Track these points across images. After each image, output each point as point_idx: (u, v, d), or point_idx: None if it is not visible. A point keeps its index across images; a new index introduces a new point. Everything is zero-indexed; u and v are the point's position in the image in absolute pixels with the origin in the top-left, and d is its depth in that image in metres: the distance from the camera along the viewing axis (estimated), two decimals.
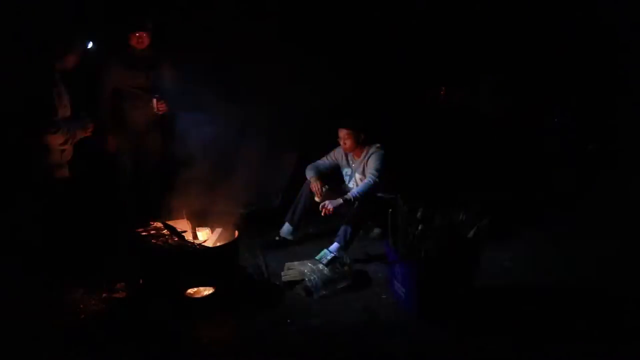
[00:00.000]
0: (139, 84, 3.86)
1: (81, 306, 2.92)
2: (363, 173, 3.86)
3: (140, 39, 3.77)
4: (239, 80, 4.42)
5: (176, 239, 3.61)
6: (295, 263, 3.39)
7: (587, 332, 2.73)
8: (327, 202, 3.64)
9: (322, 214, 3.62)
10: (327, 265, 3.38)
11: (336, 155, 4.03)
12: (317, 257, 3.52)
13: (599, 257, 3.62)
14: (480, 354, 2.56)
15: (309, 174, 3.91)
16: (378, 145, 3.83)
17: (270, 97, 4.51)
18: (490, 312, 2.94)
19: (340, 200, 3.64)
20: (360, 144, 3.85)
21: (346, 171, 4.01)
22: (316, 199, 3.82)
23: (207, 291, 3.00)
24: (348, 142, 3.83)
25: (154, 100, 3.83)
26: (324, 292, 3.16)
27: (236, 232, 3.84)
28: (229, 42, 4.37)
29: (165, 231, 3.64)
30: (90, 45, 3.31)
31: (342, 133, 3.83)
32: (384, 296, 3.14)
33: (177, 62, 4.00)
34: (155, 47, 3.88)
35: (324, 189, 3.82)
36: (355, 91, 4.70)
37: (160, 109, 3.86)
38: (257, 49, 4.41)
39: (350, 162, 3.97)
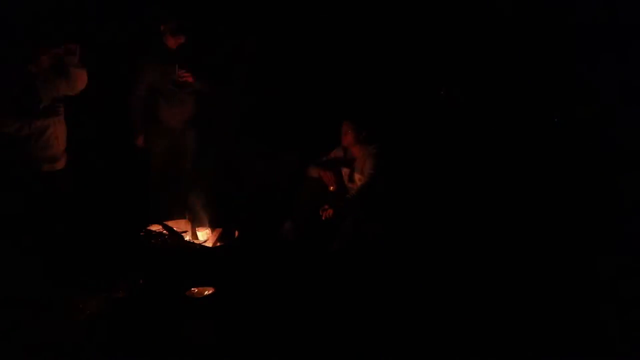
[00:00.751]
0: (170, 81, 3.81)
1: (81, 306, 2.92)
2: (362, 173, 3.86)
3: (178, 41, 3.77)
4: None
5: (176, 239, 3.62)
6: None
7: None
8: (327, 205, 3.65)
9: (323, 218, 3.63)
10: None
11: (336, 155, 4.03)
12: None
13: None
14: None
15: (315, 169, 3.92)
16: (377, 145, 3.84)
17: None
18: None
19: (341, 203, 3.66)
20: (361, 142, 3.86)
21: (345, 171, 4.02)
22: (331, 188, 3.85)
23: (207, 291, 3.00)
24: (349, 137, 3.86)
25: (176, 67, 3.75)
26: None
27: (236, 232, 3.85)
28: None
29: (165, 232, 3.64)
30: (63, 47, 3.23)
31: (345, 126, 3.85)
32: None
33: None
34: (190, 44, 3.86)
35: (334, 177, 3.85)
36: (362, 89, 4.70)
37: (183, 76, 3.77)
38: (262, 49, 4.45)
39: (350, 161, 3.97)
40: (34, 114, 3.13)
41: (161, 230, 3.64)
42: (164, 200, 3.96)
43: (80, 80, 3.30)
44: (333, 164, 4.02)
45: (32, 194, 3.20)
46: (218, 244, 3.82)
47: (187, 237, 3.74)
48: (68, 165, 3.41)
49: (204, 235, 3.85)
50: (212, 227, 3.94)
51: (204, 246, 3.70)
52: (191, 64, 3.81)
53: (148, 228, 3.67)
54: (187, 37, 3.82)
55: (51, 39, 3.14)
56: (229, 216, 4.00)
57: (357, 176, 3.92)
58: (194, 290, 3.01)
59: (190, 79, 3.81)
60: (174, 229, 3.70)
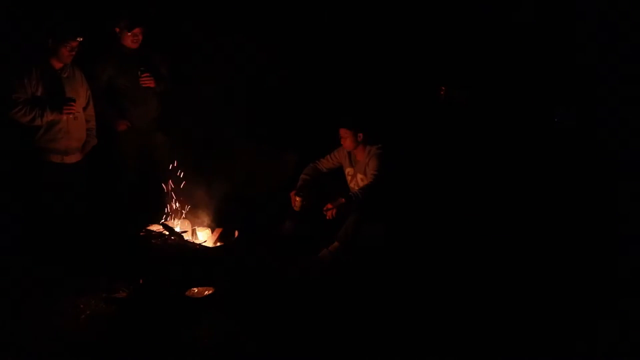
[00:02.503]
0: (132, 81, 3.78)
1: (81, 306, 2.91)
2: (364, 173, 3.87)
3: (136, 38, 3.73)
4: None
5: (175, 239, 3.62)
6: None
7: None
8: (330, 205, 3.65)
9: (327, 217, 3.64)
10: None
11: (339, 155, 4.04)
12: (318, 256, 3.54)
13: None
14: None
15: (299, 182, 3.96)
16: (380, 145, 3.84)
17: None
18: None
19: (343, 200, 3.66)
20: (361, 143, 3.86)
21: (348, 171, 4.02)
22: (295, 209, 3.87)
23: (207, 291, 3.01)
24: (347, 141, 3.86)
25: (139, 73, 3.74)
26: None
27: (236, 232, 3.85)
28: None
29: (164, 232, 3.65)
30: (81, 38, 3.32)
31: (342, 132, 3.86)
32: None
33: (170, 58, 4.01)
34: (146, 44, 3.84)
35: (302, 203, 3.86)
36: (357, 90, 4.70)
37: (145, 81, 3.76)
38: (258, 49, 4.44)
39: (353, 162, 3.97)
40: (49, 107, 3.24)
41: (161, 230, 3.64)
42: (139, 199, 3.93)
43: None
44: (333, 167, 4.04)
45: (38, 182, 3.30)
46: (218, 244, 3.83)
47: (187, 237, 3.75)
48: (83, 161, 3.51)
49: (204, 236, 3.85)
50: (212, 227, 3.95)
51: (204, 246, 3.71)
52: (151, 67, 3.79)
53: (148, 228, 3.67)
54: (144, 33, 3.76)
55: (69, 33, 3.25)
56: (229, 216, 4.01)
57: (359, 176, 3.92)
58: (194, 290, 3.01)
59: (152, 84, 3.79)
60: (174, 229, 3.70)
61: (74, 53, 3.29)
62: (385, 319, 2.90)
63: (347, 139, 3.85)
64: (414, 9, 4.87)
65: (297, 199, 3.85)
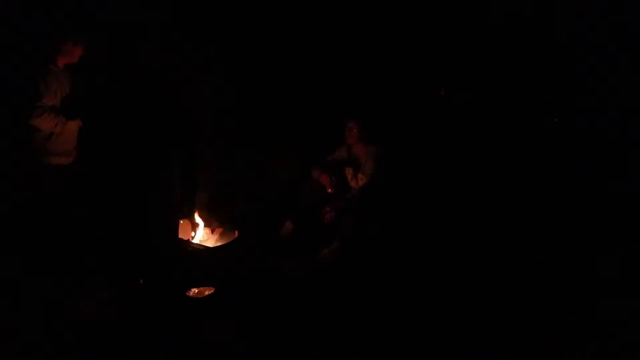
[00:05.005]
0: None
1: (81, 306, 2.92)
2: (364, 173, 3.88)
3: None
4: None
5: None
6: None
7: None
8: (328, 207, 3.66)
9: (326, 221, 3.65)
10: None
11: (339, 154, 4.05)
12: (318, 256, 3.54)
13: None
14: None
15: (317, 171, 3.97)
16: (379, 145, 3.86)
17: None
18: None
19: (341, 203, 3.66)
20: (364, 140, 3.88)
21: (348, 170, 4.03)
22: (329, 190, 3.89)
23: (207, 291, 3.01)
24: (353, 134, 3.90)
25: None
26: None
27: (236, 232, 3.85)
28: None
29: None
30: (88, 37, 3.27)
31: (351, 123, 3.89)
32: None
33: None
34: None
35: (333, 180, 3.88)
36: (358, 90, 4.70)
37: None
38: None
39: (353, 161, 3.98)
40: (69, 114, 3.24)
41: None
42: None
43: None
44: (335, 165, 4.04)
45: (37, 183, 3.28)
46: (218, 244, 3.84)
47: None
48: (78, 160, 3.47)
49: (205, 236, 3.86)
50: (213, 227, 3.96)
51: (205, 246, 3.71)
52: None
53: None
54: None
55: (63, 34, 3.21)
56: (230, 216, 4.01)
57: (359, 176, 3.93)
58: (195, 291, 3.01)
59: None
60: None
61: (69, 56, 3.25)
62: (384, 318, 2.91)
63: (354, 130, 3.89)
64: (414, 9, 4.88)
65: (328, 175, 3.88)
